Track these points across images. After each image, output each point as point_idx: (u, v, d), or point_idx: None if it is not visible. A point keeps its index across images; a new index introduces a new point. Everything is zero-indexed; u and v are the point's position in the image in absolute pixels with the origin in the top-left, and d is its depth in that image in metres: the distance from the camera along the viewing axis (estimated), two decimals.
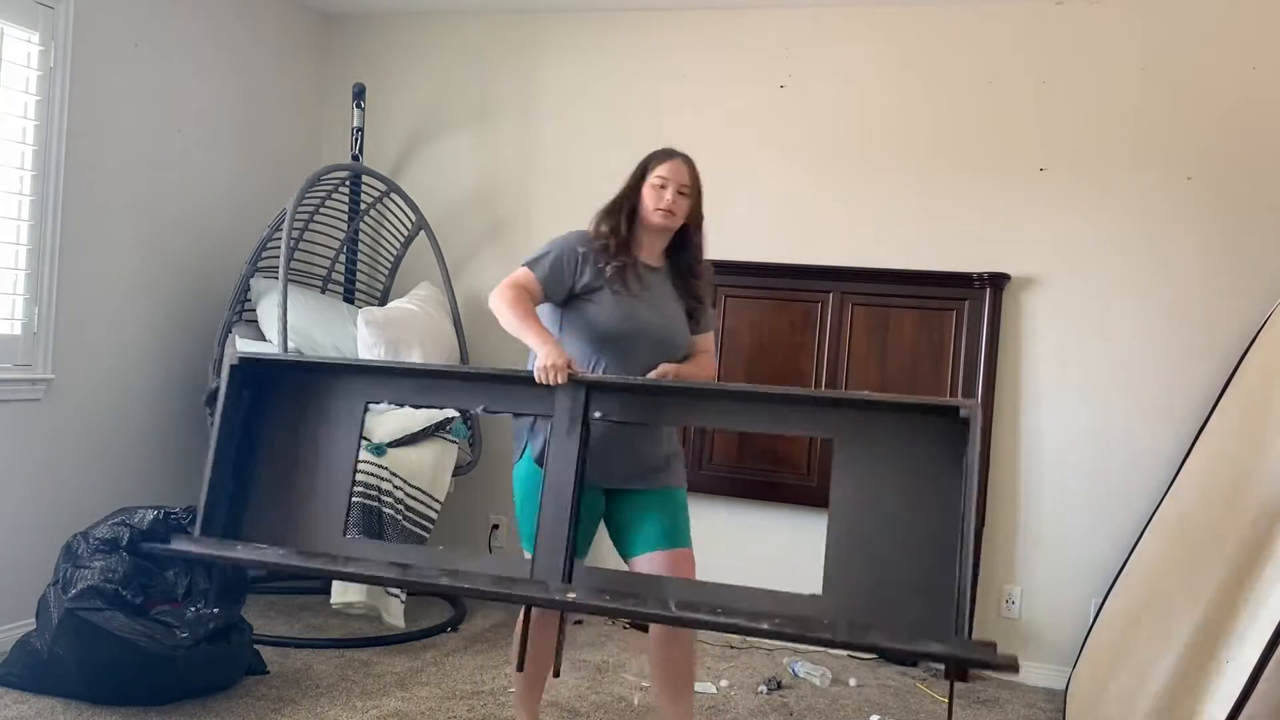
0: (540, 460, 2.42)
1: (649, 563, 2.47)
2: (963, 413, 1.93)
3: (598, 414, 2.30)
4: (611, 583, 2.27)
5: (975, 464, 1.93)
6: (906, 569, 2.01)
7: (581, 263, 2.49)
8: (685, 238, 2.59)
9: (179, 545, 2.45)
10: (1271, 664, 2.26)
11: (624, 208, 2.55)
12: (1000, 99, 3.83)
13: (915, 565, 2.01)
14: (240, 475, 2.49)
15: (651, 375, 2.43)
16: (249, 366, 2.48)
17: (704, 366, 2.63)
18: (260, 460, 2.49)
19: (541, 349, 2.32)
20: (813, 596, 2.06)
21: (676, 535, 2.51)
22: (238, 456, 2.49)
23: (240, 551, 2.37)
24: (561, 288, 2.49)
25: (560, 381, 2.26)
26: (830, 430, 2.15)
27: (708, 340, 2.67)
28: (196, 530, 2.45)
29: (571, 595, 2.17)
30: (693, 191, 2.55)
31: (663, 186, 2.51)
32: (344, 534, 2.41)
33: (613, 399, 2.31)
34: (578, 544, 2.37)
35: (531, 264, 2.49)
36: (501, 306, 2.42)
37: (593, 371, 2.44)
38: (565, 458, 2.26)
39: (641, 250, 2.56)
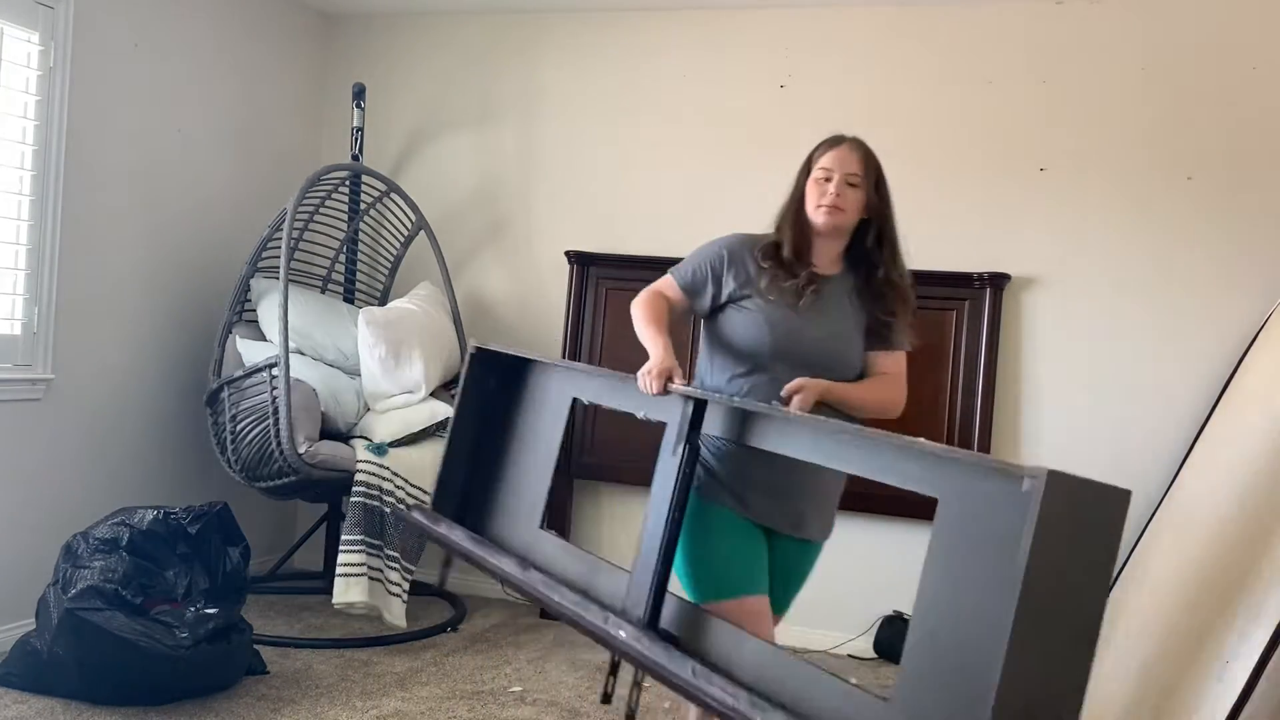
0: (697, 488, 2.13)
1: None
2: (1025, 486, 1.41)
3: (712, 434, 2.04)
4: (691, 628, 1.98)
5: (1029, 553, 1.36)
6: (975, 678, 1.50)
7: (727, 266, 2.21)
8: (868, 239, 2.21)
9: (414, 515, 2.57)
10: (1271, 664, 2.27)
11: (791, 211, 2.23)
12: (1000, 99, 3.83)
13: (981, 675, 1.47)
14: (473, 459, 2.56)
15: (787, 388, 2.07)
16: (485, 355, 2.53)
17: (880, 389, 2.21)
18: (488, 445, 2.55)
19: (652, 353, 2.08)
20: (883, 703, 1.67)
21: (784, 603, 2.28)
22: (476, 440, 2.55)
23: (441, 529, 2.45)
24: (704, 295, 2.23)
25: (654, 391, 2.01)
26: (937, 487, 1.64)
27: (892, 360, 2.25)
28: (429, 503, 2.56)
29: (621, 633, 1.95)
30: (866, 180, 2.17)
31: (826, 179, 2.17)
32: (541, 526, 2.37)
33: (720, 418, 2.03)
34: (753, 578, 2.11)
35: (675, 269, 2.27)
36: (634, 311, 2.21)
37: (740, 395, 2.13)
38: (665, 477, 2.02)
39: (814, 257, 2.21)
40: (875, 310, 2.22)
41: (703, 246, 2.29)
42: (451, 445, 2.53)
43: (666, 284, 2.26)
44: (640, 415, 2.14)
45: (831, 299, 2.20)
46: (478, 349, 2.53)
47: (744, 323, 2.18)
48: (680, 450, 1.99)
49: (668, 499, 1.99)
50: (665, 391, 2.00)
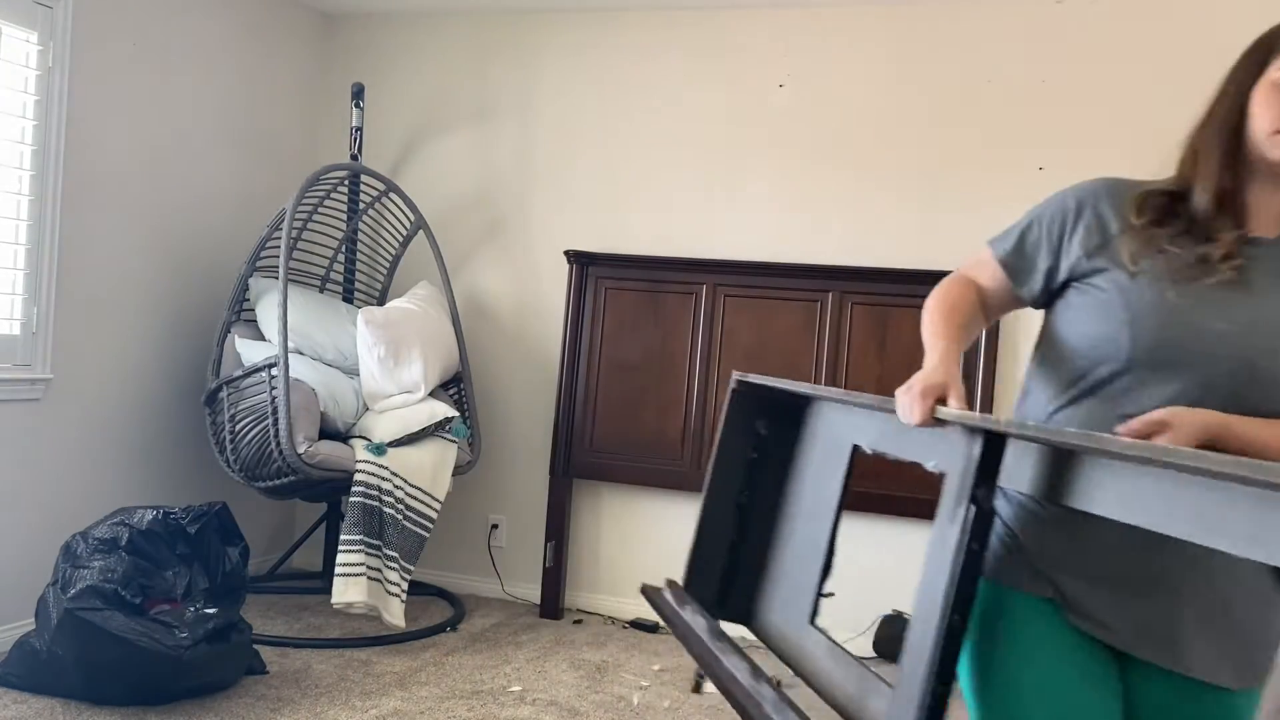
0: (991, 573, 1.39)
1: None
2: None
3: (1014, 488, 1.27)
4: None
5: None
6: None
7: (1073, 221, 1.43)
8: None
9: (664, 595, 1.97)
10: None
11: (1219, 129, 1.41)
12: (1000, 99, 3.83)
13: None
14: (738, 525, 1.97)
15: (1136, 423, 1.27)
16: (750, 389, 1.91)
17: None
18: (753, 505, 1.96)
19: (925, 360, 1.40)
20: None
21: None
22: (739, 500, 1.96)
23: (685, 615, 1.85)
24: (1035, 271, 1.46)
25: (915, 418, 1.26)
26: None
27: None
28: (682, 580, 1.94)
29: None
30: None
31: None
32: (812, 620, 1.74)
33: (1029, 462, 1.24)
34: None
35: (995, 237, 1.54)
36: (926, 305, 1.54)
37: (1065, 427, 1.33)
38: (939, 558, 1.28)
39: (1249, 210, 1.38)
40: None
41: (1050, 198, 1.49)
42: (707, 509, 1.92)
43: (980, 260, 1.54)
44: (930, 466, 1.37)
45: (1261, 274, 1.33)
46: (740, 381, 1.91)
47: (1088, 311, 1.39)
48: (963, 514, 1.21)
49: (942, 592, 1.24)
50: (934, 420, 1.26)
